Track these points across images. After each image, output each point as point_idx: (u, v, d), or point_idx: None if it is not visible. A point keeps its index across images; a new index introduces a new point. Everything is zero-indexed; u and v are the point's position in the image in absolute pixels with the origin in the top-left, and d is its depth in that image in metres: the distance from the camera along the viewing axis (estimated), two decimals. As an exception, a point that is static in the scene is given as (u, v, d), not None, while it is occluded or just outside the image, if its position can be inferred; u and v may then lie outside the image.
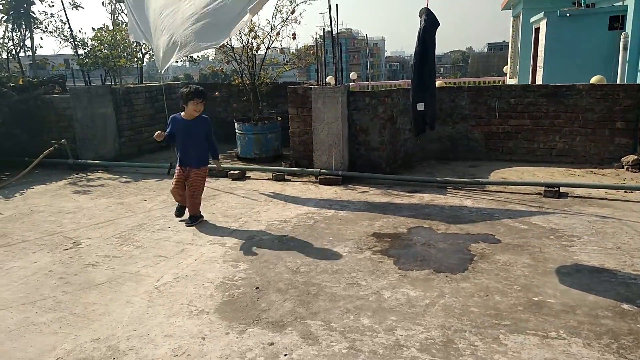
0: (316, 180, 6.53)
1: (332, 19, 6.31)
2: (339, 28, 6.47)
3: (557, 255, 3.90)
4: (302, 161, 7.03)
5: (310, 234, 4.57)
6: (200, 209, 5.03)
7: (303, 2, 7.56)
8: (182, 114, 4.86)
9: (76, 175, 7.24)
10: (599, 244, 4.10)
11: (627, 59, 11.05)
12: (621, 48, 11.08)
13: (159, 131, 4.82)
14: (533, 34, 14.39)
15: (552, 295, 3.26)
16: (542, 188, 5.60)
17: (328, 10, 6.24)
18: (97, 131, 7.81)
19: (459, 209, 5.16)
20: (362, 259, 3.97)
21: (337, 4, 6.33)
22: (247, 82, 7.93)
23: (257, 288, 3.48)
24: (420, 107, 4.10)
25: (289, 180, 6.68)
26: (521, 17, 16.55)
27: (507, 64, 21.39)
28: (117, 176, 7.14)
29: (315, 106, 6.50)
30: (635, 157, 6.40)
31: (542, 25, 12.77)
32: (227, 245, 4.35)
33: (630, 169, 6.41)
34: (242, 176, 6.87)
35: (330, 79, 8.01)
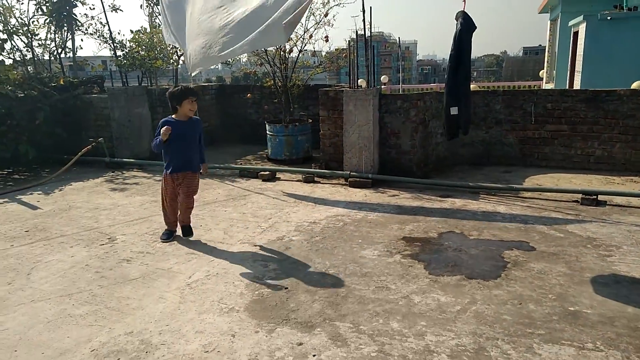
0: (346, 183, 6.52)
1: (365, 22, 6.30)
2: (371, 31, 6.46)
3: (595, 265, 3.77)
4: (332, 163, 7.04)
5: (339, 236, 4.56)
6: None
7: (337, 4, 7.58)
8: (174, 116, 4.39)
9: (112, 173, 7.45)
10: (638, 254, 3.95)
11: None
12: None
13: (166, 127, 4.22)
14: (572, 38, 14.01)
15: (589, 306, 3.16)
16: (579, 195, 5.43)
17: (362, 12, 6.24)
18: (133, 130, 8.01)
19: (492, 215, 5.06)
20: (392, 262, 3.93)
21: (370, 7, 6.33)
22: (279, 84, 8.00)
23: (286, 288, 3.50)
24: (454, 111, 4.04)
25: (319, 182, 6.69)
26: (559, 20, 16.14)
27: (542, 69, 20.91)
28: (151, 175, 7.31)
29: (346, 109, 6.50)
30: (680, 165, 6.14)
31: (582, 29, 12.41)
32: (257, 245, 4.38)
33: (674, 178, 6.16)
34: (272, 177, 6.92)
35: (361, 82, 8.01)
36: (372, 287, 3.51)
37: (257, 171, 6.99)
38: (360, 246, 4.30)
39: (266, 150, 8.30)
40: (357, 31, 6.57)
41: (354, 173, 6.50)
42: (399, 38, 15.78)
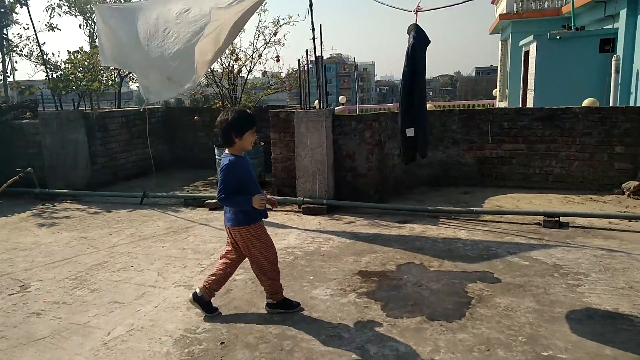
0: (299, 210, 6.09)
1: (315, 40, 5.98)
2: (324, 51, 6.14)
3: (565, 298, 3.47)
4: (285, 189, 6.61)
5: (289, 272, 4.11)
6: None
7: (286, 23, 7.26)
8: (230, 150, 3.23)
9: (42, 206, 6.74)
10: (609, 282, 3.68)
11: (620, 82, 10.87)
12: (613, 71, 10.91)
13: (264, 194, 3.21)
14: (523, 58, 14.26)
15: (563, 349, 2.82)
16: (541, 217, 5.20)
17: (311, 30, 5.92)
18: (67, 158, 7.34)
19: (453, 242, 4.74)
20: (346, 303, 3.51)
21: (320, 25, 6.02)
22: (229, 106, 7.55)
23: (222, 343, 3.00)
24: (410, 132, 3.72)
25: (270, 210, 6.22)
26: (510, 40, 16.50)
27: (495, 88, 21.35)
28: (86, 206, 6.65)
29: (298, 131, 6.11)
30: (637, 182, 6.05)
31: (532, 49, 12.61)
32: (195, 287, 3.86)
33: (632, 196, 6.05)
34: (220, 205, 6.40)
35: (316, 103, 7.67)
36: (323, 336, 3.06)
37: (203, 199, 6.46)
38: (312, 284, 3.86)
39: (216, 176, 7.78)
40: (307, 50, 6.24)
41: (307, 199, 6.09)
42: (354, 58, 15.65)
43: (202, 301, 3.33)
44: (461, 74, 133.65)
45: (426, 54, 3.80)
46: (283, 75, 8.15)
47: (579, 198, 6.19)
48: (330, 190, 6.16)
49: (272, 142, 6.59)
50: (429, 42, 3.66)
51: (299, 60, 6.31)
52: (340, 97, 19.59)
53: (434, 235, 4.96)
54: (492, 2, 20.95)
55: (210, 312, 3.35)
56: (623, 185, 6.23)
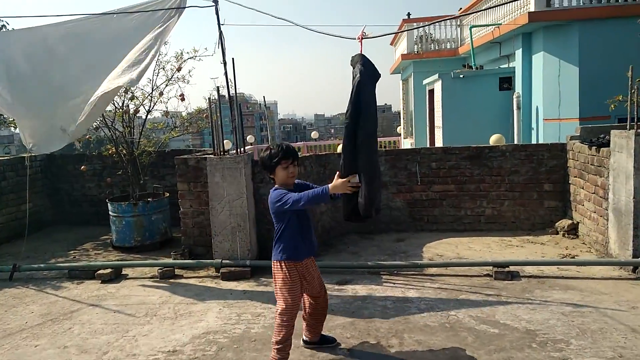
0: (217, 275, 5.09)
1: (228, 75, 5.17)
2: (236, 86, 5.34)
3: (557, 378, 2.89)
4: (198, 249, 5.58)
5: (214, 372, 3.12)
6: None
7: (191, 57, 6.37)
8: (279, 182, 3.14)
9: None
10: (594, 351, 3.19)
11: (522, 118, 11.34)
12: (515, 107, 11.37)
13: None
14: (427, 96, 14.62)
15: None
16: (490, 268, 4.75)
17: (223, 64, 5.11)
18: None
19: (406, 307, 4.06)
20: (297, 418, 2.62)
21: (232, 58, 5.24)
22: (124, 152, 6.40)
23: None
24: (356, 179, 3.03)
25: (181, 277, 5.15)
26: (412, 79, 16.95)
27: (394, 124, 21.96)
28: None
29: (212, 180, 5.18)
30: (570, 222, 5.91)
31: (437, 87, 12.89)
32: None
33: (566, 235, 5.88)
34: (116, 275, 5.20)
35: (227, 143, 6.80)
36: None
37: (93, 270, 5.21)
38: (246, 390, 2.92)
39: (110, 235, 6.51)
40: (218, 87, 5.40)
41: (226, 261, 5.12)
42: (264, 97, 15.06)
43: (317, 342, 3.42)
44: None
45: (370, 90, 3.15)
46: (186, 114, 7.19)
47: (516, 240, 5.91)
48: (253, 248, 5.25)
49: (180, 194, 5.57)
50: (379, 75, 3.03)
51: (208, 99, 5.44)
52: (248, 137, 18.76)
53: (381, 299, 4.26)
54: (391, 44, 21.73)
55: (330, 342, 3.44)
56: (557, 224, 6.07)
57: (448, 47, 16.16)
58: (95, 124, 6.17)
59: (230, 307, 4.24)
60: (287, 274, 3.08)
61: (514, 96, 11.33)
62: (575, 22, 9.73)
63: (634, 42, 9.32)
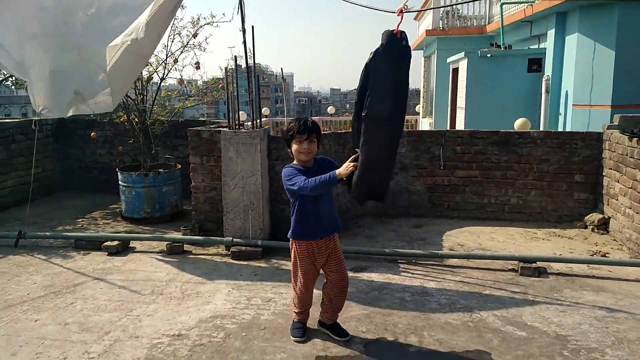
0: (227, 253, 4.89)
1: (247, 44, 4.86)
2: (254, 55, 5.02)
3: (593, 393, 2.64)
4: (209, 224, 5.37)
5: (220, 363, 2.93)
6: None
7: (208, 23, 6.05)
8: (295, 162, 3.11)
9: None
10: (633, 363, 2.93)
11: (549, 103, 10.84)
12: (543, 91, 10.87)
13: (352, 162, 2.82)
14: (451, 74, 14.09)
15: None
16: (516, 263, 4.47)
17: (242, 32, 4.79)
18: None
19: (425, 300, 3.82)
20: (308, 422, 2.41)
21: (252, 26, 4.91)
22: (136, 120, 6.16)
23: None
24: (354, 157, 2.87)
25: (190, 253, 4.96)
26: (435, 57, 16.38)
27: (413, 103, 21.41)
28: None
29: (225, 155, 4.93)
30: (601, 216, 5.57)
31: (462, 66, 12.38)
32: None
33: (595, 230, 5.56)
34: (123, 248, 5.02)
35: (241, 115, 6.51)
36: None
37: (100, 240, 5.04)
38: (254, 385, 2.72)
39: (119, 204, 6.33)
40: (235, 56, 5.10)
41: (237, 240, 4.91)
42: (281, 69, 14.66)
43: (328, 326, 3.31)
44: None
45: (403, 70, 2.78)
46: (202, 83, 6.89)
47: (542, 233, 5.61)
48: (265, 228, 5.03)
49: (192, 168, 5.33)
50: (407, 56, 2.65)
51: (225, 68, 5.13)
52: (263, 109, 18.45)
53: (399, 289, 4.02)
54: (415, 19, 21.02)
55: (342, 335, 3.24)
56: (586, 218, 5.74)
57: (475, 24, 15.51)
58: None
59: (239, 290, 4.04)
60: (297, 252, 3.13)
61: (543, 79, 10.82)
62: (615, 3, 9.13)
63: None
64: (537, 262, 4.41)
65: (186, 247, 5.06)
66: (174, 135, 7.12)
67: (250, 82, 4.89)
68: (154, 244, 5.19)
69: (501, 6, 12.45)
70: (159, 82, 6.22)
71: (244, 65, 4.85)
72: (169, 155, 6.79)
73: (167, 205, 6.11)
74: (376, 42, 2.66)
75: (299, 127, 2.95)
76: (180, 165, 6.42)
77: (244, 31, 4.80)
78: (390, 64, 2.65)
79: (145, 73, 6.02)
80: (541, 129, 10.51)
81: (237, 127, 4.99)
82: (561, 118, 10.80)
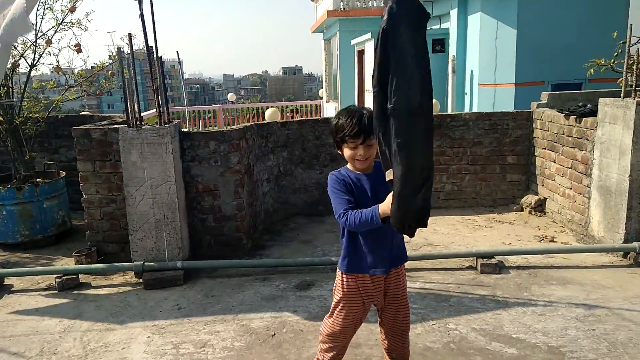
0: (138, 282, 3.94)
1: (146, 23, 3.87)
2: (156, 35, 4.04)
3: None
4: (110, 246, 4.33)
5: None
6: None
7: (90, -5, 4.86)
8: (349, 166, 2.26)
9: None
10: (639, 373, 2.61)
11: (456, 83, 10.92)
12: (450, 71, 10.90)
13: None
14: (356, 57, 13.78)
15: None
16: (473, 258, 4.10)
17: (137, 1, 3.78)
18: None
19: (391, 319, 3.25)
20: None
21: (151, 1, 3.91)
22: (0, 119, 4.84)
23: None
24: (389, 175, 2.00)
25: (89, 286, 3.93)
26: (337, 39, 15.98)
27: (308, 88, 20.99)
28: None
29: (126, 159, 3.93)
30: (537, 197, 5.45)
31: (368, 48, 12.09)
32: None
33: (532, 212, 5.43)
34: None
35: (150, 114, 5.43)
36: None
37: (-40, 284, 3.79)
38: None
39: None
40: (130, 34, 4.07)
41: (151, 264, 3.97)
42: (177, 52, 13.22)
43: None
44: (269, 73, 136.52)
45: (422, 38, 1.94)
46: (84, 70, 5.65)
47: (482, 220, 5.36)
48: (185, 246, 4.13)
49: (82, 177, 4.23)
50: (425, 15, 1.93)
51: (119, 49, 4.08)
52: (156, 98, 16.78)
53: (357, 308, 3.41)
54: (312, 0, 20.47)
55: None
56: (522, 200, 5.59)
57: (375, 5, 15.33)
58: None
59: (162, 334, 3.16)
60: (344, 288, 2.30)
61: (450, 59, 10.84)
62: (515, -18, 9.27)
63: (570, 8, 9.11)
64: (495, 257, 4.06)
65: (82, 278, 4.01)
66: (54, 135, 5.83)
67: (153, 66, 3.91)
68: (38, 279, 4.05)
69: (403, -15, 12.28)
70: (28, 69, 4.93)
71: (145, 45, 3.85)
72: (48, 160, 5.51)
73: (51, 224, 4.91)
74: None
75: (352, 129, 2.10)
76: (64, 173, 5.21)
77: (140, 2, 3.79)
78: (409, 29, 1.83)
79: (10, 59, 4.70)
80: (449, 109, 10.56)
81: (138, 123, 4.00)
82: (467, 98, 10.95)
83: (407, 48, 1.80)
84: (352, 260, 2.25)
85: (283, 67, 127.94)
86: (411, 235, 1.95)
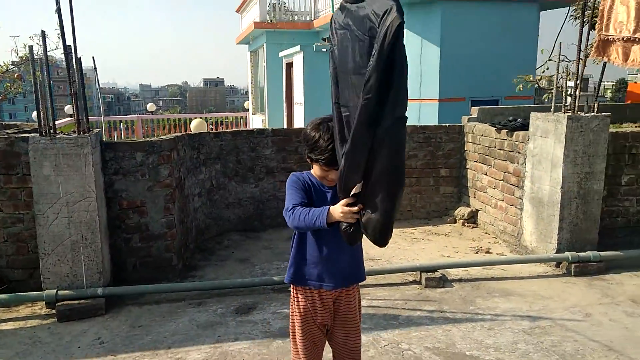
0: (51, 313, 3.43)
1: (62, 18, 3.43)
2: (74, 33, 3.59)
3: None
4: (15, 273, 3.76)
5: None
6: None
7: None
8: (314, 172, 2.05)
9: None
10: (591, 385, 2.61)
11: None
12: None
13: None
14: (285, 69, 13.64)
15: None
16: (416, 272, 4.03)
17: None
18: None
19: (341, 342, 3.06)
20: None
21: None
22: None
23: None
24: (357, 188, 1.78)
25: (-11, 322, 3.35)
26: (265, 51, 15.80)
27: (224, 99, 20.59)
28: None
29: (38, 173, 3.43)
30: (470, 209, 5.55)
31: (297, 60, 12.01)
32: None
33: (466, 224, 5.52)
34: None
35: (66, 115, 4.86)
36: None
37: None
38: None
39: None
40: (43, 31, 3.58)
41: (66, 292, 3.47)
42: (93, 58, 12.26)
43: None
44: (189, 84, 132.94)
45: (397, 41, 1.70)
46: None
47: (418, 232, 5.36)
48: (106, 270, 3.67)
49: (-18, 193, 3.64)
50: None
51: (31, 47, 3.57)
52: (66, 107, 15.59)
53: (304, 331, 3.18)
54: (237, 10, 20.12)
55: None
56: (455, 212, 5.68)
57: (302, 19, 15.36)
58: None
59: (82, 374, 2.73)
60: (294, 304, 2.12)
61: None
62: (438, 1, 9.64)
63: (486, 27, 9.62)
64: (438, 271, 4.02)
65: (-20, 311, 3.42)
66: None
67: (71, 68, 3.46)
68: None
69: (332, 0, 12.40)
70: None
71: (62, 44, 3.40)
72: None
73: (-59, 249, 4.19)
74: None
75: (330, 159, 1.89)
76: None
77: (55, -4, 3.35)
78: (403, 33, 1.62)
79: None
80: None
81: (51, 131, 3.51)
82: (394, 112, 11.17)
83: (404, 55, 1.63)
84: (298, 271, 2.07)
85: (204, 79, 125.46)
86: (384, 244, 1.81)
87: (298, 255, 2.08)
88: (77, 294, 3.46)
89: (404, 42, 1.61)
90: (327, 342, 2.21)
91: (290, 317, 2.16)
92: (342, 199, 1.80)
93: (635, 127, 5.51)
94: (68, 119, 13.78)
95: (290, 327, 2.18)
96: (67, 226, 3.48)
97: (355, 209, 1.77)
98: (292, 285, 2.13)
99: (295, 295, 2.11)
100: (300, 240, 2.07)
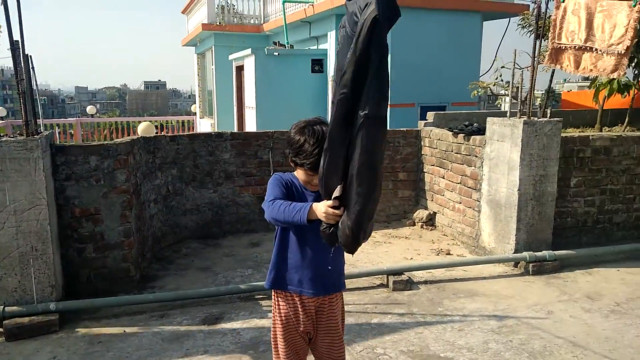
0: (-4, 332, 3.14)
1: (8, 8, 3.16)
2: (22, 30, 3.33)
3: None
4: (-48, 289, 3.41)
5: None
6: None
7: None
8: (297, 175, 1.99)
9: None
10: (561, 380, 2.70)
11: (336, 102, 11.15)
12: (330, 91, 11.14)
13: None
14: (235, 72, 13.41)
15: None
16: (383, 276, 4.04)
17: (-2, -14, 3.07)
18: None
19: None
20: None
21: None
22: None
23: None
24: (337, 191, 1.71)
25: None
26: (213, 53, 15.49)
27: (166, 102, 20.08)
28: None
29: (-21, 179, 3.13)
30: (428, 212, 5.66)
31: (249, 64, 11.84)
32: None
33: (424, 226, 5.62)
34: None
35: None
36: None
37: None
38: None
39: None
40: (-15, 25, 3.30)
41: (14, 308, 3.19)
42: (29, 56, 11.51)
43: None
44: (128, 87, 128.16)
45: (385, 37, 1.67)
46: None
47: (379, 235, 5.39)
48: (58, 283, 3.41)
49: None
50: (398, 14, 1.69)
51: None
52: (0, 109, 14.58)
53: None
54: (183, 12, 19.62)
55: None
56: (414, 215, 5.76)
57: (252, 22, 15.20)
58: None
59: (38, 398, 2.50)
60: (277, 308, 2.07)
61: (329, 80, 11.08)
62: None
63: (433, 35, 9.91)
64: (405, 273, 4.05)
65: None
66: None
67: (18, 67, 3.20)
68: None
69: (283, 4, 12.34)
70: None
71: (9, 40, 3.13)
72: None
73: None
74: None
75: (315, 163, 1.80)
76: None
77: (0, -14, 3.08)
78: (386, 24, 1.55)
79: None
80: (330, 127, 10.74)
81: (-5, 134, 3.23)
82: (346, 117, 11.25)
83: (385, 50, 1.59)
84: (279, 275, 2.02)
85: (145, 82, 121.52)
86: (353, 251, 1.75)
87: (279, 260, 2.03)
88: (27, 310, 3.19)
89: (385, 37, 1.56)
90: (309, 351, 2.15)
91: (272, 324, 2.11)
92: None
93: (579, 132, 5.84)
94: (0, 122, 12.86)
95: (272, 334, 2.12)
96: (14, 236, 3.20)
97: (338, 212, 1.71)
98: (273, 291, 2.07)
99: (276, 301, 2.06)
100: (282, 244, 2.02)
